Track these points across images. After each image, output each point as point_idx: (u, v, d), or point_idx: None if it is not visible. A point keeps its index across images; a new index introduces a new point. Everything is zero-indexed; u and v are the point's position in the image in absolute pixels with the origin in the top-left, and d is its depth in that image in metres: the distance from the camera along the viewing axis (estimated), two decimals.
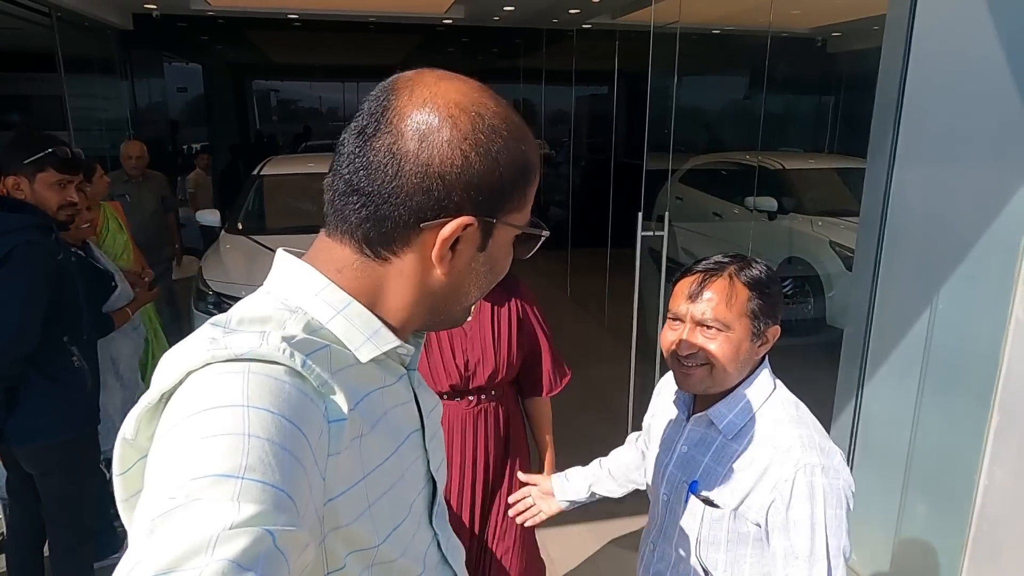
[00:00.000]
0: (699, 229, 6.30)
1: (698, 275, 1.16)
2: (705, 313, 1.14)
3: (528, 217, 0.69)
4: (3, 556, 2.39)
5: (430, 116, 0.61)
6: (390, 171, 0.61)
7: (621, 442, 3.60)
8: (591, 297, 6.22)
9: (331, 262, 0.65)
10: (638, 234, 3.24)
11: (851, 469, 2.59)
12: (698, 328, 1.15)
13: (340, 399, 0.59)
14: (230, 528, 0.45)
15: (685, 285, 1.17)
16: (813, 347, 5.03)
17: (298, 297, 0.64)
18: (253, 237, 4.35)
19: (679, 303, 1.18)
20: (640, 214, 3.25)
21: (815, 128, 8.79)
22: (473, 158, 0.61)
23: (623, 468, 1.56)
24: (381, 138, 0.61)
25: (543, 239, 0.75)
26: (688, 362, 1.16)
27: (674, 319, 1.19)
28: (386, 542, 0.65)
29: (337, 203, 0.64)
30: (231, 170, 8.82)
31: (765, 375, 1.21)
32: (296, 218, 4.39)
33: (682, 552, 1.24)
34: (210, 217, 4.88)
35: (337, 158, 0.65)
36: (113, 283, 2.54)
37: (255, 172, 5.16)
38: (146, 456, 0.55)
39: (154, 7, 6.77)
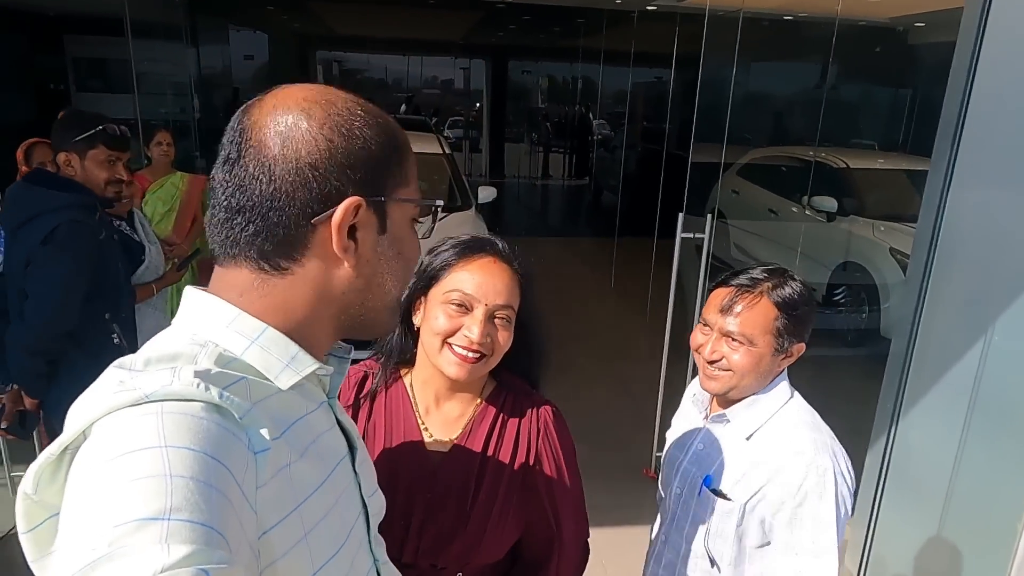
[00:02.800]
0: (751, 228, 6.07)
1: (732, 289, 1.24)
2: (732, 326, 1.22)
3: (418, 194, 0.70)
4: None
5: (284, 116, 0.62)
6: (263, 180, 0.61)
7: (647, 443, 3.52)
8: (634, 290, 6.09)
9: (231, 289, 0.64)
10: (677, 235, 3.12)
11: (881, 498, 2.48)
12: (724, 338, 1.24)
13: (263, 428, 0.57)
14: (161, 572, 0.43)
15: (719, 296, 1.26)
16: (865, 359, 4.80)
17: (208, 331, 0.62)
18: None
19: (711, 312, 1.26)
20: (681, 214, 3.12)
21: (889, 124, 8.32)
22: (336, 140, 0.62)
23: None
24: (245, 156, 0.62)
25: (438, 210, 0.76)
26: (712, 367, 1.26)
27: (705, 325, 1.28)
28: (322, 572, 0.63)
29: (220, 234, 0.64)
30: None
31: (784, 384, 1.29)
32: None
33: (691, 542, 1.32)
34: None
35: (210, 194, 0.65)
36: (142, 256, 2.60)
37: None
38: (57, 514, 0.53)
39: None
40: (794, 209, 5.91)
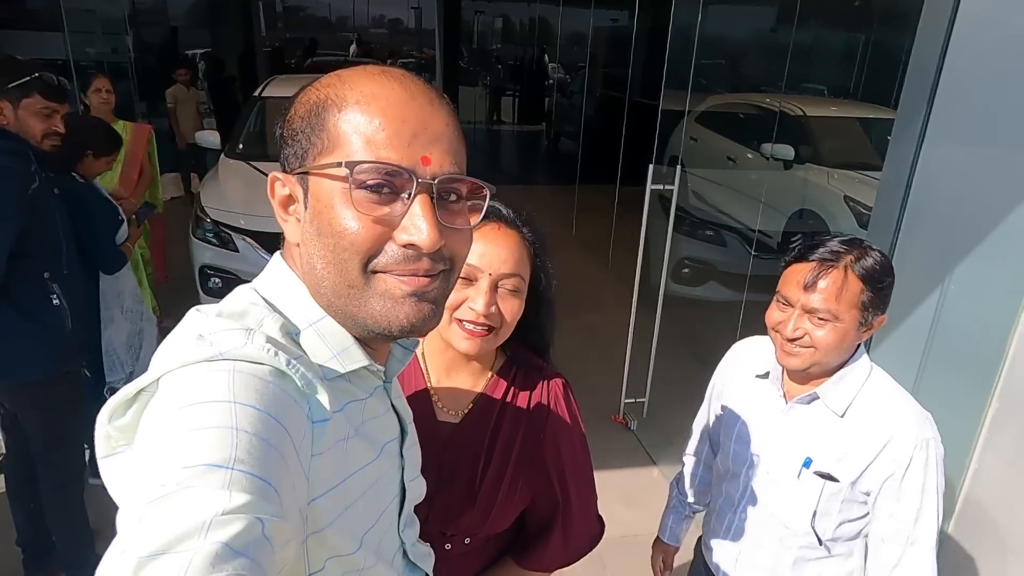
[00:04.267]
0: (710, 176, 6.13)
1: (814, 264, 1.19)
2: (816, 303, 1.18)
3: (352, 155, 0.59)
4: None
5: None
6: None
7: (616, 390, 3.61)
8: (597, 238, 6.13)
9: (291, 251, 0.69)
10: (647, 187, 3.13)
11: None
12: (807, 315, 1.20)
13: (324, 400, 0.60)
14: (223, 514, 0.46)
15: (799, 272, 1.21)
16: None
17: (278, 302, 0.65)
18: (254, 163, 4.23)
19: (791, 289, 1.22)
20: (652, 165, 3.12)
21: (841, 68, 8.40)
22: (280, 127, 0.66)
23: (704, 490, 1.67)
24: None
25: (382, 182, 0.59)
26: (793, 344, 1.22)
27: (784, 302, 1.24)
28: (361, 548, 0.66)
29: None
30: (218, 85, 8.44)
31: (864, 356, 1.28)
32: None
33: (788, 521, 1.31)
34: (209, 138, 4.74)
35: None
36: (120, 217, 2.50)
37: (256, 93, 4.97)
38: (128, 446, 0.57)
39: None
40: (750, 155, 5.99)
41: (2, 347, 1.95)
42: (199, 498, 0.46)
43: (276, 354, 0.57)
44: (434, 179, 0.60)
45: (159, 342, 0.63)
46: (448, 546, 1.08)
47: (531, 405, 1.09)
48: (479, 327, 0.97)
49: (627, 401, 3.60)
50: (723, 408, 1.46)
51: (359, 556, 0.65)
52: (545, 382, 1.11)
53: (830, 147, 5.50)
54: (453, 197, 0.63)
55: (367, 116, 0.59)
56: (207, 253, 3.70)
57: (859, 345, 1.28)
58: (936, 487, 1.20)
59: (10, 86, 1.91)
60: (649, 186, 3.13)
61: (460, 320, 0.98)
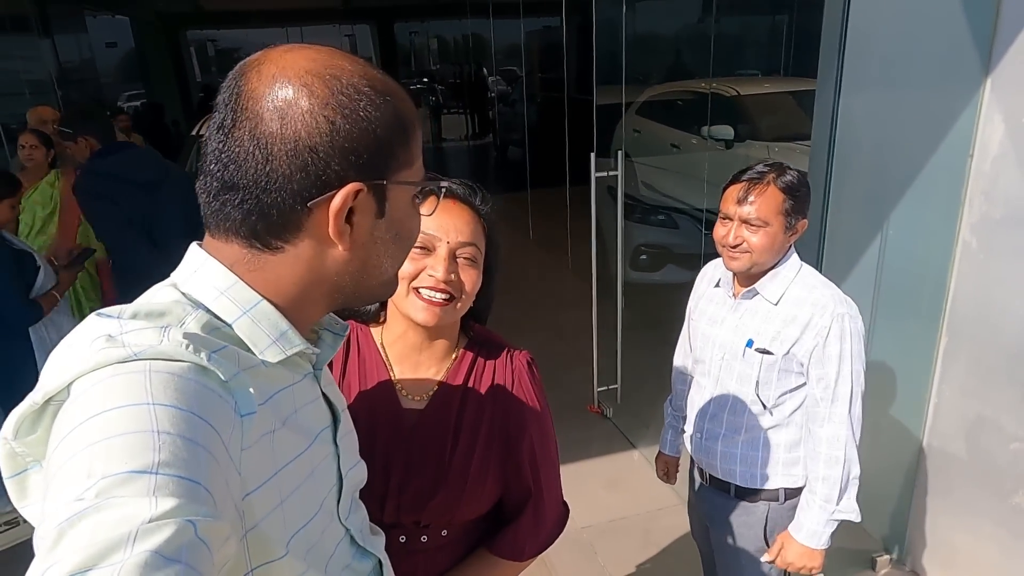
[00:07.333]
0: (657, 163, 6.25)
1: (744, 183, 1.45)
2: (750, 213, 1.44)
3: (421, 171, 0.68)
4: None
5: (283, 90, 0.58)
6: (259, 157, 0.58)
7: (587, 383, 3.63)
8: (554, 239, 6.18)
9: (222, 260, 0.63)
10: (592, 175, 3.18)
11: None
12: (743, 225, 1.45)
13: (250, 392, 0.58)
14: (149, 522, 0.43)
15: (734, 191, 1.46)
16: None
17: (201, 294, 0.62)
18: None
19: (728, 205, 1.47)
20: (593, 154, 3.17)
21: (769, 50, 8.66)
22: (339, 122, 0.59)
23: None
24: (240, 127, 0.58)
25: (443, 191, 0.79)
26: (736, 251, 1.47)
27: (724, 217, 1.49)
28: (291, 549, 0.63)
29: (214, 204, 0.61)
30: (158, 131, 8.25)
31: (794, 256, 1.55)
32: None
33: (740, 393, 1.58)
34: None
35: (203, 159, 0.61)
36: (36, 264, 2.43)
37: (194, 132, 4.92)
38: (38, 463, 0.53)
39: None
40: (694, 141, 6.11)
41: None
42: (121, 509, 0.43)
43: (196, 351, 0.54)
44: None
45: None
46: (424, 538, 1.06)
47: (495, 382, 1.08)
48: (438, 295, 0.97)
49: (600, 390, 3.62)
50: (693, 318, 1.73)
51: (288, 561, 0.62)
52: (509, 359, 1.10)
53: (766, 123, 5.65)
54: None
55: (419, 138, 0.67)
56: None
57: (790, 248, 1.53)
58: (852, 354, 1.46)
59: None
60: (594, 174, 3.17)
61: (418, 289, 0.97)
